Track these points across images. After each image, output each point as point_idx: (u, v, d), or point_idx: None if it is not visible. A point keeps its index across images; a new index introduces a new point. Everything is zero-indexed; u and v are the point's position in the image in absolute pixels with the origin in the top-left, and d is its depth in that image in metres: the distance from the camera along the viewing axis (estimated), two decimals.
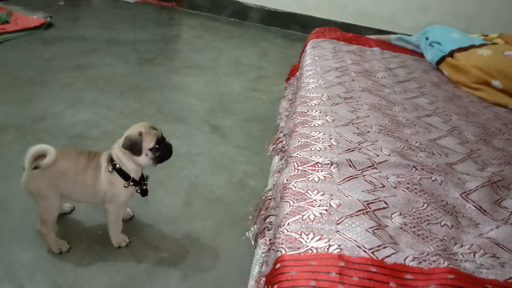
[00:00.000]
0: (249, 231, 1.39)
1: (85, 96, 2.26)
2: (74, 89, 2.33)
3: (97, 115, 2.10)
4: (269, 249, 1.00)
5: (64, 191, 1.23)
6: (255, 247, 1.20)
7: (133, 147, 1.18)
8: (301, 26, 4.09)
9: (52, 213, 1.24)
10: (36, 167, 1.14)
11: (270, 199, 1.19)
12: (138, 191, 1.29)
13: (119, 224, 1.33)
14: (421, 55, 2.32)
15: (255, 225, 1.28)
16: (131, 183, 1.24)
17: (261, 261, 1.05)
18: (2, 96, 2.12)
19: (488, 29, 3.30)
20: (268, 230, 1.09)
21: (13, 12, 3.15)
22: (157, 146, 1.21)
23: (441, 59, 2.11)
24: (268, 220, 1.12)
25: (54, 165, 1.17)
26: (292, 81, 2.22)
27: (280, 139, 1.48)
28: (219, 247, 1.42)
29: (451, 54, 2.09)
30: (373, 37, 2.53)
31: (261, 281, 0.91)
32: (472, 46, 2.08)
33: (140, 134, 1.19)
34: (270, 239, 1.03)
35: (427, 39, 2.36)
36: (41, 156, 1.15)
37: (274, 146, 1.62)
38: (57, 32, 3.14)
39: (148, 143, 1.20)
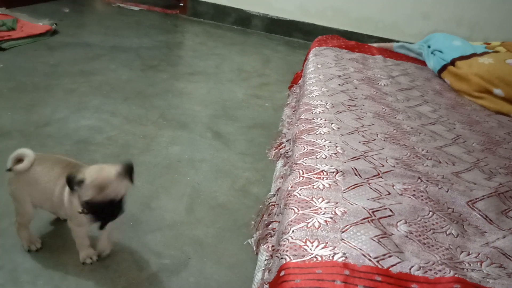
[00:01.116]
0: (251, 238, 1.39)
1: (89, 102, 2.28)
2: (78, 94, 2.34)
3: (101, 120, 2.11)
4: (271, 255, 1.00)
5: (34, 199, 1.22)
6: (257, 253, 1.19)
7: (69, 184, 1.05)
8: (303, 33, 4.12)
9: (25, 217, 1.24)
10: (9, 169, 1.16)
11: (273, 205, 1.19)
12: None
13: (84, 241, 1.26)
14: (423, 63, 2.33)
15: (257, 231, 1.28)
16: (85, 211, 1.09)
17: (263, 268, 1.05)
18: (7, 102, 2.13)
19: (491, 36, 3.31)
20: (271, 236, 1.09)
21: (19, 19, 3.18)
22: (90, 205, 1.05)
23: (443, 67, 2.12)
24: (270, 226, 1.12)
25: (29, 172, 1.16)
26: (294, 88, 2.23)
27: (283, 144, 1.48)
28: (221, 253, 1.41)
29: (452, 62, 2.09)
30: (375, 45, 2.54)
31: None
32: (474, 55, 2.09)
33: (81, 181, 1.04)
34: (273, 246, 1.03)
35: (429, 47, 2.37)
36: (21, 160, 1.17)
37: (276, 150, 1.62)
38: (62, 38, 3.17)
39: (84, 195, 1.04)
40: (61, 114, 2.10)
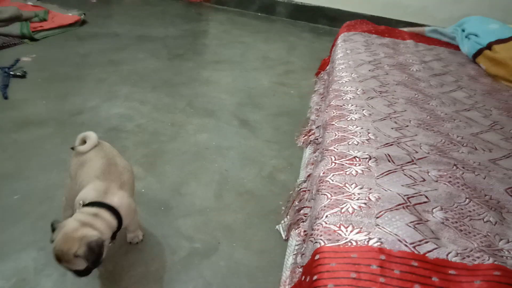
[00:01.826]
0: (280, 224, 1.40)
1: (119, 91, 2.33)
2: (108, 83, 2.40)
3: (130, 109, 2.15)
4: (304, 240, 1.01)
5: (78, 180, 1.23)
6: (287, 239, 1.20)
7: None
8: (329, 19, 4.04)
9: (68, 193, 1.27)
10: (72, 148, 1.22)
11: (304, 191, 1.19)
12: None
13: None
14: (456, 47, 2.24)
15: (288, 217, 1.28)
16: None
17: (295, 252, 1.06)
18: (42, 91, 2.22)
19: None
20: (303, 221, 1.10)
21: (50, 10, 3.27)
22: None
23: (478, 52, 2.03)
24: (302, 211, 1.12)
25: (85, 154, 1.21)
26: (322, 75, 2.20)
27: (313, 131, 1.47)
28: (250, 239, 1.43)
29: (489, 46, 2.01)
30: (406, 29, 2.46)
31: (297, 271, 0.92)
32: None
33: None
34: (305, 231, 1.04)
35: (463, 31, 2.27)
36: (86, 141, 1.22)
37: (305, 137, 1.61)
38: (90, 28, 3.24)
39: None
40: (92, 102, 2.17)
